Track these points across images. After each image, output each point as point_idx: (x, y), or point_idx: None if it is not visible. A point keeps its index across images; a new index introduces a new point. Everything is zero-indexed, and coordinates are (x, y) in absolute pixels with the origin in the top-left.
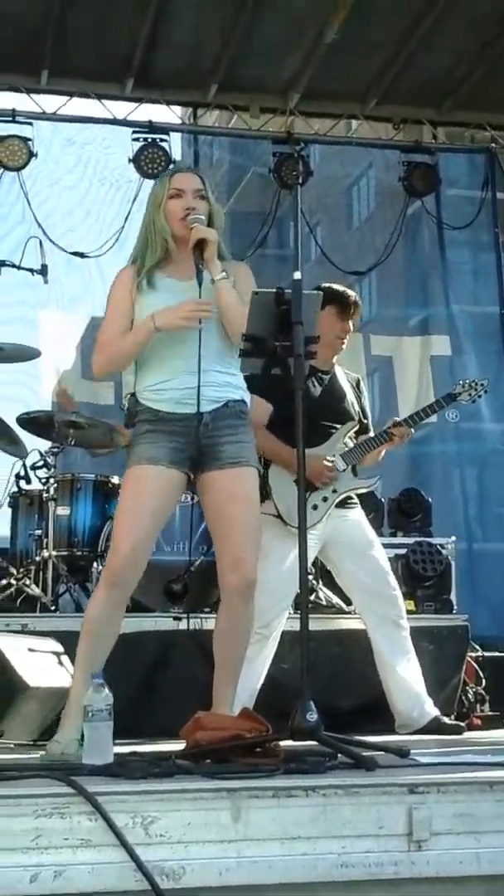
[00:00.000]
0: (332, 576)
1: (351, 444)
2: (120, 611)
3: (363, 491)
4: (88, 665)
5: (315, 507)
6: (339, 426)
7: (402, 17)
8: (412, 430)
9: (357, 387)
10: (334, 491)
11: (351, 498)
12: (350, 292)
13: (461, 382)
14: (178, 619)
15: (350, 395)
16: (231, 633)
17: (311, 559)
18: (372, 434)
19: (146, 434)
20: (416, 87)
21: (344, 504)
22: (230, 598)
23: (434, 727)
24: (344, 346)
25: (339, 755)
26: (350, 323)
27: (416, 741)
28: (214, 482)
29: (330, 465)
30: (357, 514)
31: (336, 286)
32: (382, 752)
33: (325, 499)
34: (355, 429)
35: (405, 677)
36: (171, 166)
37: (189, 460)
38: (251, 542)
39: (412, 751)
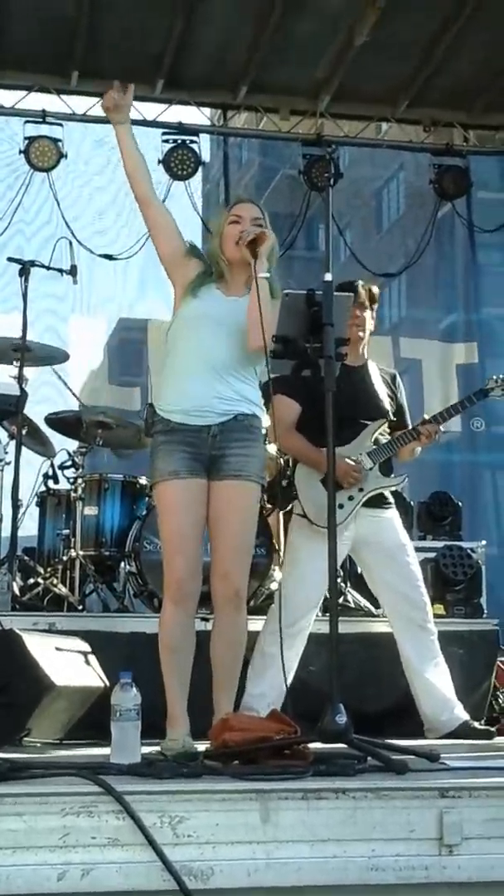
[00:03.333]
0: (361, 578)
1: (383, 441)
2: (191, 620)
3: (392, 489)
4: (178, 675)
5: (341, 507)
6: (368, 423)
7: (432, 20)
8: (440, 427)
9: (393, 382)
10: (360, 490)
11: (386, 498)
12: (360, 282)
13: (494, 377)
14: (206, 619)
15: (383, 392)
16: (225, 641)
17: (342, 557)
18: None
19: (162, 445)
20: (446, 89)
21: (378, 504)
22: (221, 607)
23: (463, 732)
24: (363, 335)
25: (369, 758)
26: (366, 313)
27: (446, 745)
28: (215, 492)
29: (355, 465)
30: (392, 514)
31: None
32: (412, 756)
33: (350, 498)
34: (385, 425)
35: (433, 681)
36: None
37: (203, 469)
38: (241, 554)
39: (442, 755)
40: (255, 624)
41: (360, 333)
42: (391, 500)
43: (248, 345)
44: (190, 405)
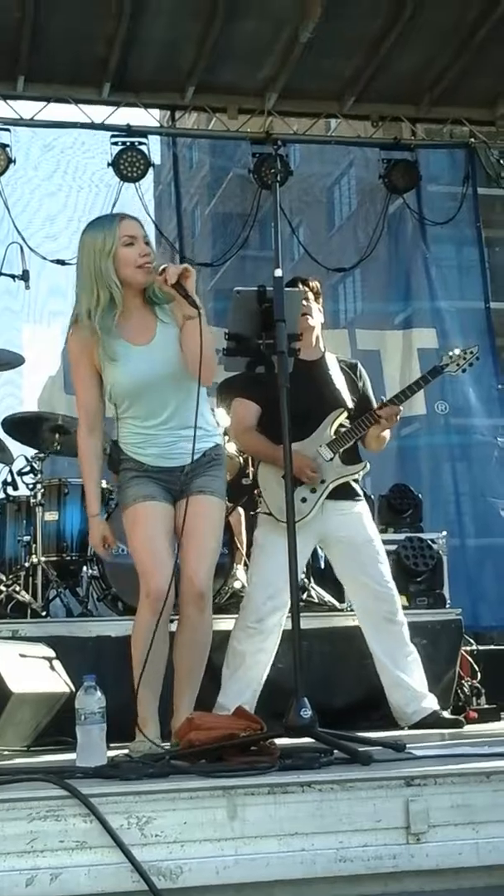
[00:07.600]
0: (323, 573)
1: (344, 431)
2: (167, 626)
3: (355, 477)
4: (150, 678)
5: (304, 500)
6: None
7: (376, 16)
8: (400, 407)
9: (354, 372)
10: (322, 481)
11: (355, 492)
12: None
13: (449, 353)
14: (172, 621)
15: (342, 383)
16: (189, 643)
17: (307, 552)
18: None
19: (134, 479)
20: (393, 84)
21: (346, 497)
22: (185, 609)
23: (432, 721)
24: (312, 324)
25: (335, 751)
26: (311, 304)
27: (414, 735)
28: (181, 507)
29: (310, 461)
30: (361, 508)
31: None
32: (378, 747)
33: (313, 490)
34: (343, 415)
35: (402, 674)
36: (117, 213)
37: (173, 498)
38: (205, 559)
39: (408, 745)
40: (220, 623)
41: (310, 321)
42: (360, 493)
43: (199, 381)
44: (160, 451)
